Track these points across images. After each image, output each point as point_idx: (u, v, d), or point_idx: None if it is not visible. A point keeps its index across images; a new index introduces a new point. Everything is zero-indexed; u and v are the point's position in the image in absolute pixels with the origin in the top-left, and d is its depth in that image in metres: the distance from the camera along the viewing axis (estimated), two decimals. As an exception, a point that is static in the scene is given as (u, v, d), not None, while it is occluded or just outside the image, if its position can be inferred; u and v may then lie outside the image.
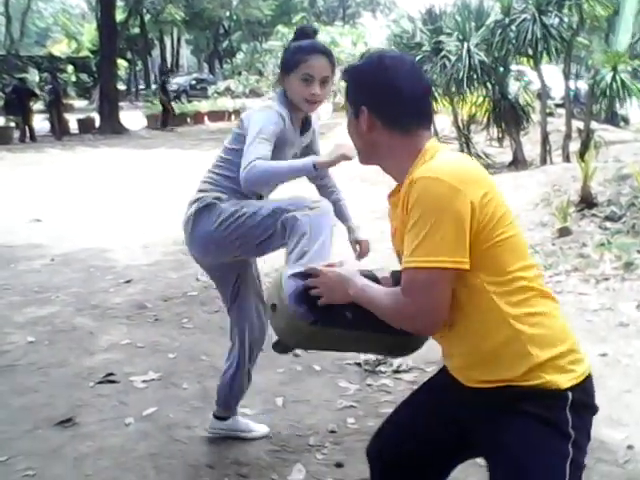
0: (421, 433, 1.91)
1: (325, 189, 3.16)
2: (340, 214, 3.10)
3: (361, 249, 3.12)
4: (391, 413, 2.11)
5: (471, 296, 1.67)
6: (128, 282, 6.03)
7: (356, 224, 3.19)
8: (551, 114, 14.16)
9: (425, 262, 1.59)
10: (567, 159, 11.02)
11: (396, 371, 3.98)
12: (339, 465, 3.03)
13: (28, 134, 20.35)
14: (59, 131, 21.21)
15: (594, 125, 11.80)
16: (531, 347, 1.66)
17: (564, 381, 1.67)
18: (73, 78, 35.96)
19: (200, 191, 2.87)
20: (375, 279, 1.87)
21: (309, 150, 3.01)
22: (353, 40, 29.19)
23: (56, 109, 21.46)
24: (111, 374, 4.05)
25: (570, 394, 1.67)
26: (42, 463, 3.09)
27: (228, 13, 43.02)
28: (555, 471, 1.65)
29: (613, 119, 16.10)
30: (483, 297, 1.66)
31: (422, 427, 1.92)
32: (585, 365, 1.75)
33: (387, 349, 2.09)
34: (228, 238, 2.71)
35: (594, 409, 1.77)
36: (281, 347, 2.11)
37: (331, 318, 1.86)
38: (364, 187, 10.59)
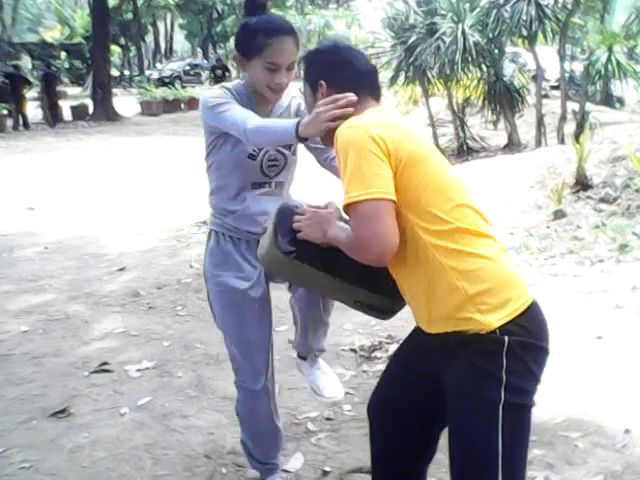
0: (406, 382, 2.04)
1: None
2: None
3: None
4: (384, 370, 2.24)
5: (403, 235, 1.78)
6: (122, 270, 6.00)
7: None
8: (546, 96, 14.14)
9: (357, 197, 1.73)
10: (562, 141, 11.00)
11: (392, 356, 3.97)
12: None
13: (21, 122, 20.20)
14: (52, 119, 21.08)
15: (589, 107, 11.77)
16: (459, 281, 1.76)
17: (495, 320, 1.74)
18: (66, 65, 35.77)
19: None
20: None
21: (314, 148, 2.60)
22: (347, 23, 29.05)
23: (47, 96, 21.30)
24: (105, 363, 4.03)
25: (506, 338, 1.73)
26: (38, 455, 3.08)
27: (221, -4, 42.76)
28: (485, 417, 1.75)
29: (608, 100, 16.06)
30: (412, 235, 1.80)
31: (405, 377, 2.06)
32: (521, 301, 1.79)
33: (361, 304, 2.11)
34: None
35: (540, 348, 1.81)
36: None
37: (306, 255, 2.04)
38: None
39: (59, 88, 23.82)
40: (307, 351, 2.83)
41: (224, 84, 2.48)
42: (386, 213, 1.73)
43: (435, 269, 1.78)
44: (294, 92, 2.60)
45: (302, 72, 2.14)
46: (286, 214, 2.11)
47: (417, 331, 1.97)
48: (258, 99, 2.45)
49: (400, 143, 1.80)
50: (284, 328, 4.22)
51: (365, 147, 1.75)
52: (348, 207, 1.76)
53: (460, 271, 1.76)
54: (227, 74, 24.29)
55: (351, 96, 1.96)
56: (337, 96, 1.98)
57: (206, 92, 2.46)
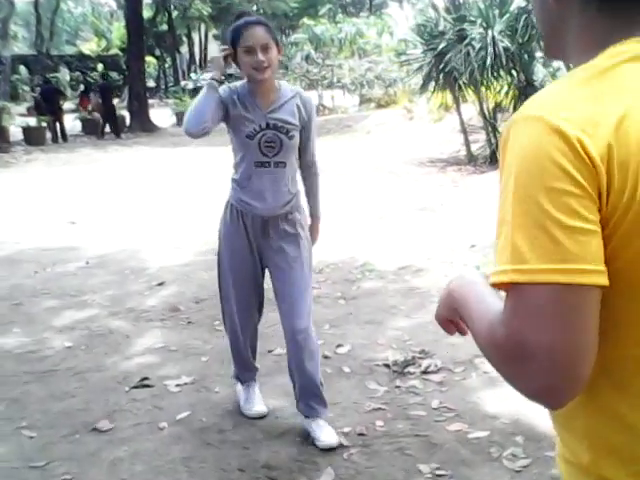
0: None
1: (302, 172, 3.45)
2: (307, 195, 3.47)
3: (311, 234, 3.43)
4: None
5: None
6: (161, 284, 6.14)
7: (318, 213, 3.54)
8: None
9: (522, 274, 0.88)
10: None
11: (424, 372, 4.03)
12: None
13: (60, 134, 20.61)
14: (114, 129, 21.68)
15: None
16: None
17: None
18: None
19: None
20: None
21: (302, 135, 3.25)
22: (378, 30, 29.05)
23: (104, 107, 21.73)
24: (146, 378, 4.15)
25: None
26: (79, 468, 3.21)
27: (255, 7, 43.07)
28: None
29: None
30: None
31: None
32: None
33: None
34: None
35: None
36: None
37: None
38: (390, 179, 10.63)
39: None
40: (305, 409, 3.38)
41: (233, 83, 3.23)
42: (586, 311, 0.87)
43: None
44: (298, 90, 3.31)
45: None
46: None
47: None
48: (256, 91, 3.13)
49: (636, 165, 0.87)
50: (320, 343, 4.31)
51: (549, 178, 0.87)
52: (502, 285, 0.91)
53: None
54: None
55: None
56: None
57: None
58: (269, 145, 3.12)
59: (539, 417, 3.29)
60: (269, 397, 3.74)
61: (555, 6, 1.05)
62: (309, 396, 3.33)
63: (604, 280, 0.86)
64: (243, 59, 3.04)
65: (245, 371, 3.64)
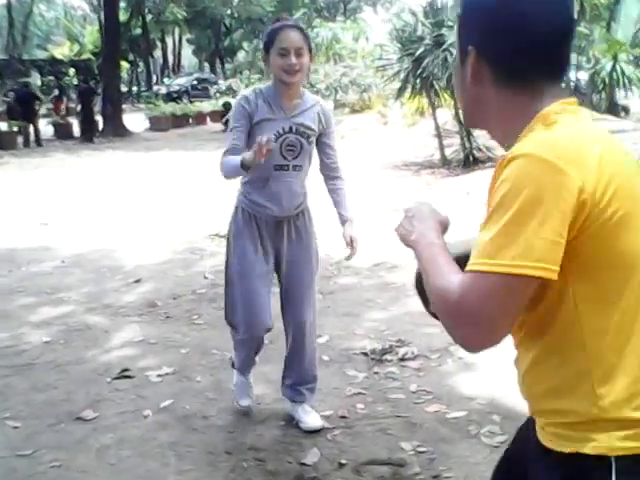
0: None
1: (328, 179, 3.44)
2: (336, 203, 3.41)
3: (351, 246, 3.27)
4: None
5: (555, 315, 1.27)
6: (138, 281, 6.17)
7: (352, 217, 3.37)
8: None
9: (494, 265, 1.17)
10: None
11: (402, 359, 4.13)
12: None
13: (34, 138, 20.44)
14: (89, 133, 21.47)
15: (594, 115, 11.89)
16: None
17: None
18: (75, 81, 36.16)
19: None
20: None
21: (322, 142, 3.30)
22: (354, 35, 29.27)
23: (83, 110, 21.64)
24: (127, 370, 4.18)
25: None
26: (67, 455, 3.24)
27: (229, 11, 43.12)
28: None
29: (613, 109, 16.18)
30: (572, 319, 1.26)
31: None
32: None
33: None
34: None
35: None
36: None
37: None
38: (365, 181, 10.71)
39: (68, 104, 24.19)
40: (293, 394, 3.45)
41: (256, 87, 3.25)
42: (521, 295, 1.20)
43: (580, 364, 1.27)
44: (319, 99, 3.33)
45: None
46: None
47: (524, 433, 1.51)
48: (283, 94, 3.12)
49: (610, 193, 1.19)
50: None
51: (555, 202, 1.15)
52: (473, 272, 1.20)
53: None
54: None
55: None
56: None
57: (240, 95, 3.26)
58: (290, 149, 3.14)
59: (514, 397, 3.37)
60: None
61: (473, 88, 1.36)
62: (303, 384, 3.41)
63: (554, 273, 1.16)
64: (276, 61, 3.04)
65: (246, 366, 3.57)
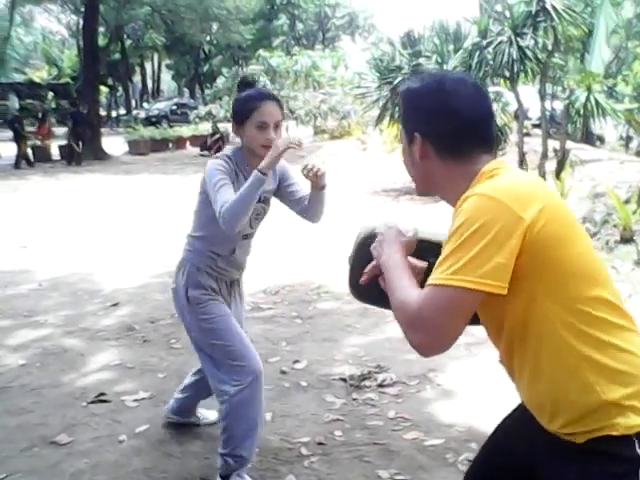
0: (497, 468, 1.84)
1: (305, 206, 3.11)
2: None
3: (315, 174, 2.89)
4: (477, 452, 2.02)
5: (537, 328, 1.52)
6: (116, 305, 6.12)
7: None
8: (528, 134, 14.44)
9: (449, 279, 1.45)
10: (544, 178, 11.25)
11: (380, 385, 4.12)
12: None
13: (24, 160, 20.66)
14: (73, 157, 21.57)
15: (570, 144, 12.06)
16: (597, 379, 1.50)
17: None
18: (53, 104, 36.05)
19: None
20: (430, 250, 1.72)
21: (289, 193, 3.10)
22: (333, 63, 29.51)
23: (73, 135, 21.71)
24: (103, 394, 4.14)
25: None
26: (40, 479, 3.19)
27: (208, 38, 43.32)
28: None
29: (589, 138, 16.43)
30: (549, 328, 1.51)
31: (499, 464, 1.84)
32: None
33: None
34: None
35: None
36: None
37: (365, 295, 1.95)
38: (344, 207, 10.75)
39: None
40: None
41: (225, 153, 2.99)
42: (466, 307, 1.47)
43: (571, 363, 1.51)
44: None
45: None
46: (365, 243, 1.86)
47: (519, 417, 1.77)
48: (252, 163, 2.87)
49: (551, 221, 1.49)
50: (275, 359, 4.41)
51: (495, 226, 1.44)
52: (431, 286, 1.49)
53: (602, 369, 1.50)
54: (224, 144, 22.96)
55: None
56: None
57: (212, 160, 2.96)
58: (257, 217, 3.06)
59: (492, 425, 3.38)
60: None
61: (421, 162, 1.68)
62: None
63: (504, 290, 1.45)
64: (253, 133, 2.87)
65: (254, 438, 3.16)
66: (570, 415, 1.52)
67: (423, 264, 1.75)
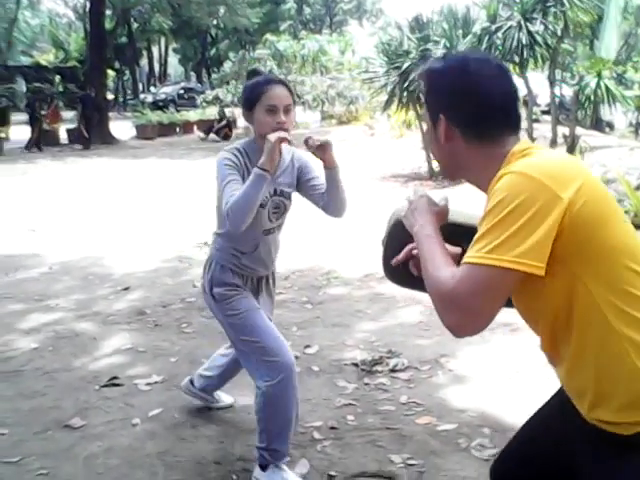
0: (532, 460, 1.81)
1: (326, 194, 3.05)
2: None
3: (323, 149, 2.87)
4: (511, 438, 1.95)
5: (582, 311, 1.48)
6: (127, 289, 6.14)
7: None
8: (537, 120, 14.41)
9: (485, 258, 1.41)
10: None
11: (392, 370, 4.13)
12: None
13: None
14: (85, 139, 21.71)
15: (579, 131, 12.04)
16: None
17: None
18: (60, 88, 36.02)
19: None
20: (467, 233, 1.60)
21: (311, 187, 3.04)
22: (340, 48, 29.38)
23: (83, 117, 21.80)
24: (115, 377, 4.17)
25: None
26: (54, 463, 3.22)
27: (215, 21, 43.12)
28: None
29: (598, 125, 16.36)
30: (594, 310, 1.46)
31: (535, 455, 1.80)
32: None
33: None
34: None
35: None
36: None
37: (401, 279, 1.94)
38: (353, 192, 10.74)
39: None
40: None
41: (236, 145, 2.93)
42: (505, 286, 1.43)
43: (616, 347, 1.45)
44: (292, 149, 3.04)
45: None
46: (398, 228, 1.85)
47: (557, 405, 1.73)
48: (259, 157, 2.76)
49: (590, 200, 1.44)
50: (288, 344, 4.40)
51: (533, 206, 1.39)
52: (467, 264, 1.45)
53: None
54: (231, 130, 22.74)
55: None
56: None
57: (221, 154, 2.90)
58: (276, 211, 3.00)
59: (504, 410, 3.45)
60: (238, 394, 3.79)
61: (446, 145, 1.64)
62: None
63: (539, 271, 1.39)
64: (263, 118, 2.80)
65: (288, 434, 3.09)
66: (616, 403, 1.46)
67: (457, 250, 1.70)
